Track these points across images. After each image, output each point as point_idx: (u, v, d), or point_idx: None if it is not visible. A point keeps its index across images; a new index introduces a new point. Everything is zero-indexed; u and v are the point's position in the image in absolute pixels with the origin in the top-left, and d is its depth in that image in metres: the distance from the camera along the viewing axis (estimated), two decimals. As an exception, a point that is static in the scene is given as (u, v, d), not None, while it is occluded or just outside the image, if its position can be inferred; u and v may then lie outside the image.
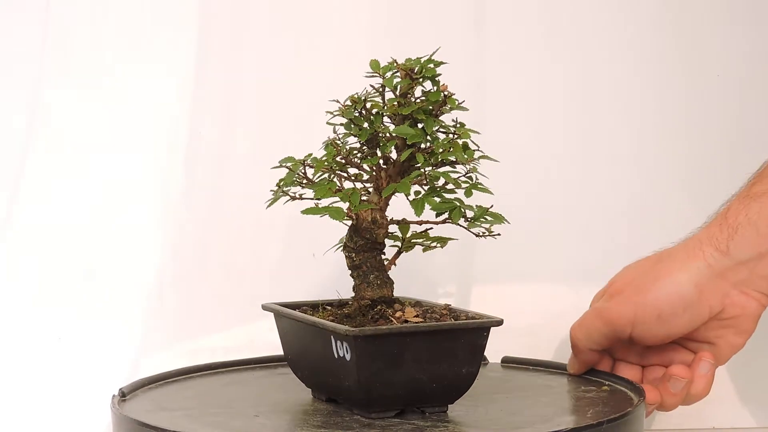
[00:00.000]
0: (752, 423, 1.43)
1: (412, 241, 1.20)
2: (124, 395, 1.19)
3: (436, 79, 1.14)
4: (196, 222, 1.49)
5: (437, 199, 1.13)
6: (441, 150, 1.12)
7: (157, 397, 1.23)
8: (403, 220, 1.17)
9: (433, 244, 1.19)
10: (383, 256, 1.18)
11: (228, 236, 1.49)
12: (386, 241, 1.18)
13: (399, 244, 1.20)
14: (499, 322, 1.12)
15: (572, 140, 1.53)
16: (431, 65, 1.14)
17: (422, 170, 1.12)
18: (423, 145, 1.13)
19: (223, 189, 1.49)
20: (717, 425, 1.42)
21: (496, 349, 1.32)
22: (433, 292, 1.46)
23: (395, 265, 1.19)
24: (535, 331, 1.45)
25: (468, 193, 1.12)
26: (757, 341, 1.45)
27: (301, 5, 1.51)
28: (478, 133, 1.13)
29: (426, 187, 1.13)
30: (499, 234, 1.16)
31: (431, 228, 1.18)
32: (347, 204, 1.12)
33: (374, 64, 1.15)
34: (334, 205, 1.13)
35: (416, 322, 1.13)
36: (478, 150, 1.14)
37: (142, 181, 1.49)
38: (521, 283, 1.49)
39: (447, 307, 1.18)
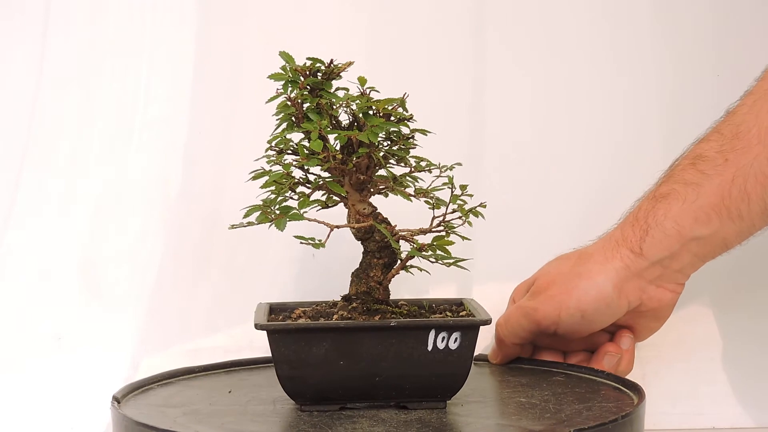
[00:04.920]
0: (752, 423, 1.43)
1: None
2: (118, 401, 1.19)
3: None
4: (196, 222, 1.49)
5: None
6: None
7: (157, 397, 1.23)
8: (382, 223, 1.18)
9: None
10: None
11: (228, 236, 1.48)
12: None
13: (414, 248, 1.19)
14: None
15: (572, 140, 1.53)
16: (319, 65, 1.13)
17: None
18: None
19: (223, 189, 1.49)
20: (717, 425, 1.42)
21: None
22: (434, 291, 1.46)
23: (409, 272, 1.20)
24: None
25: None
26: (756, 342, 1.45)
27: (302, 5, 1.51)
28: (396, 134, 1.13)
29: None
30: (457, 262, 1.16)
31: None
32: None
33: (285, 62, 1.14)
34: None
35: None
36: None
37: (141, 181, 1.49)
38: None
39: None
